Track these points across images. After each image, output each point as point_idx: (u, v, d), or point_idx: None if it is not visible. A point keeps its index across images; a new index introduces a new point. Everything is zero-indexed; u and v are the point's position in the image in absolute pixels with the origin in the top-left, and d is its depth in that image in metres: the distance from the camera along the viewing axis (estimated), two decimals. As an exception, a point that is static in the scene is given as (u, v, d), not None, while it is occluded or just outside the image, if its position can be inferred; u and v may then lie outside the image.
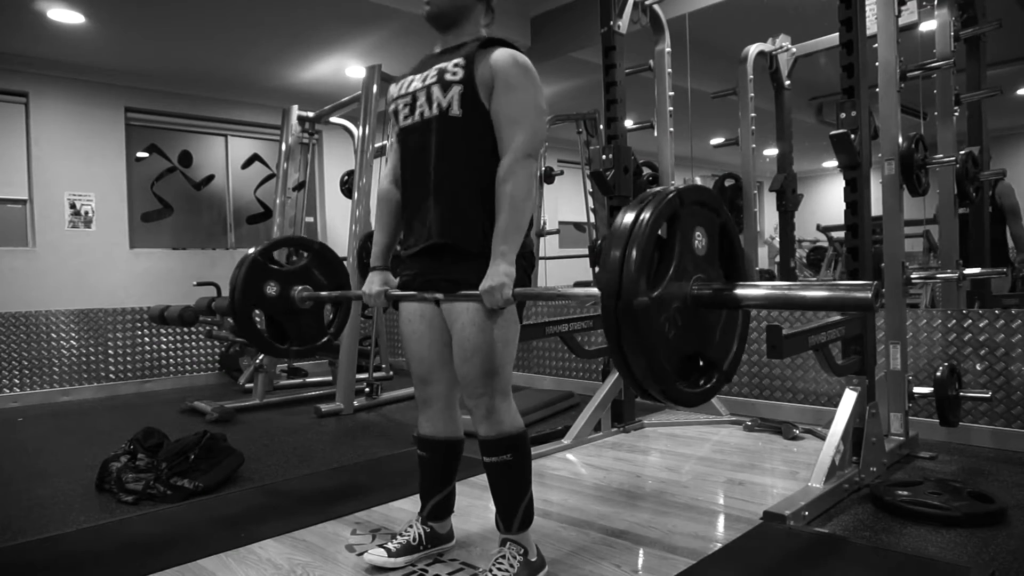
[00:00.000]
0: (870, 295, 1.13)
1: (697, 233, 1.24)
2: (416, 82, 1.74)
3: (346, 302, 2.36)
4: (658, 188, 1.26)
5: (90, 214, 5.44)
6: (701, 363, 1.28)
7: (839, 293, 1.19)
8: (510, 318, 1.69)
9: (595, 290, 1.30)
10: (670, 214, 1.19)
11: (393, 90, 1.82)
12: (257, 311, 2.20)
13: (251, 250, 2.27)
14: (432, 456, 1.88)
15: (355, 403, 4.39)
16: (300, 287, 2.26)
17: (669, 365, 1.18)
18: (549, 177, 5.12)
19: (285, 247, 2.31)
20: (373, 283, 1.89)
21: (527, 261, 1.77)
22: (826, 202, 6.65)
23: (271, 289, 2.19)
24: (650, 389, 1.17)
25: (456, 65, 1.65)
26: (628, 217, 1.18)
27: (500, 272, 1.57)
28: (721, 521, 2.20)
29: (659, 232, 1.19)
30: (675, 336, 1.19)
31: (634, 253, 1.14)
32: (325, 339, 2.31)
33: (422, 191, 1.72)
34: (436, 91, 1.67)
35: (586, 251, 4.88)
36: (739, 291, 1.24)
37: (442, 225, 1.67)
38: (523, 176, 1.60)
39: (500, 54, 1.63)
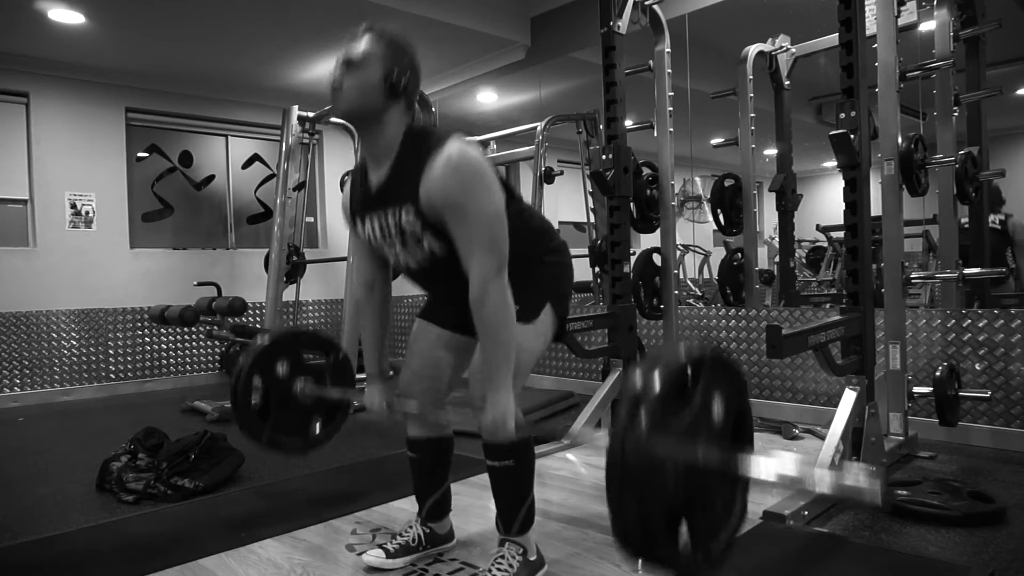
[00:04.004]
0: (877, 490, 1.06)
1: (717, 397, 1.19)
2: (377, 228, 1.64)
3: (340, 414, 2.28)
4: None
5: (91, 214, 5.44)
6: (690, 533, 1.15)
7: (846, 485, 1.13)
8: (536, 329, 1.71)
9: (603, 440, 1.24)
10: (698, 358, 1.16)
11: (359, 229, 1.72)
12: (257, 381, 2.12)
13: (271, 336, 2.18)
14: (422, 457, 1.88)
15: (355, 403, 4.37)
16: (306, 379, 2.17)
17: (662, 515, 1.10)
18: (549, 177, 5.11)
19: (310, 344, 2.26)
20: (374, 397, 1.87)
21: (556, 269, 1.79)
22: (826, 202, 6.63)
23: (282, 368, 2.12)
24: (632, 535, 1.09)
25: (408, 214, 1.56)
26: (658, 354, 1.17)
27: (499, 406, 1.53)
28: (721, 521, 2.20)
29: (686, 374, 1.14)
30: (675, 488, 1.10)
31: (659, 375, 1.11)
32: (300, 442, 2.19)
33: (439, 297, 1.78)
34: (411, 244, 1.61)
35: (586, 251, 4.87)
36: (748, 459, 1.18)
37: (461, 309, 1.62)
38: (494, 300, 1.51)
39: (431, 179, 1.50)
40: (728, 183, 4.40)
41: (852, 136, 2.55)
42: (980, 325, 3.04)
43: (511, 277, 1.57)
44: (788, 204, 4.61)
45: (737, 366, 1.27)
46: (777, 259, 4.92)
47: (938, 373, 2.85)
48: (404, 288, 1.98)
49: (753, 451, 1.27)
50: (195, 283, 5.50)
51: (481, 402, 1.59)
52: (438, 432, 1.87)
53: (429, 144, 1.54)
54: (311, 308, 6.60)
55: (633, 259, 3.68)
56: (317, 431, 2.25)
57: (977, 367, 3.04)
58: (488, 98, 6.69)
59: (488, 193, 1.52)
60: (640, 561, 1.12)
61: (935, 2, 3.49)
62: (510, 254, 1.60)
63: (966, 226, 3.71)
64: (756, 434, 3.28)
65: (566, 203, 6.84)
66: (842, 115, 2.60)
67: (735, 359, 1.28)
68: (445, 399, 1.88)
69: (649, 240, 4.05)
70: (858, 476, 1.09)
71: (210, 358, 5.99)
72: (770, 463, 1.15)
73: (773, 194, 4.62)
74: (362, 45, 1.56)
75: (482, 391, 1.59)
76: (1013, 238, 4.19)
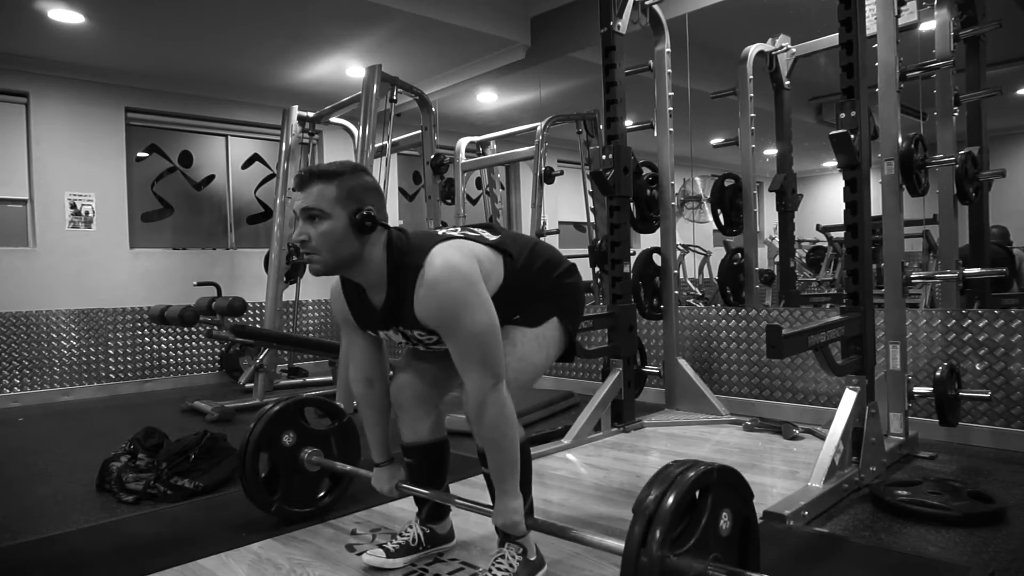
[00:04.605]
0: None
1: (724, 514, 1.26)
2: (392, 334, 1.69)
3: (345, 479, 2.32)
4: (697, 460, 1.27)
5: (90, 214, 5.44)
6: None
7: None
8: (539, 337, 1.71)
9: (615, 544, 1.32)
10: (706, 483, 1.22)
11: (344, 312, 1.75)
12: (264, 454, 2.18)
13: (276, 405, 2.22)
14: (419, 462, 1.88)
15: (355, 403, 4.38)
16: (312, 449, 2.23)
17: None
18: (549, 177, 5.11)
19: (315, 407, 2.31)
20: (383, 481, 1.91)
21: (567, 289, 1.79)
22: (826, 202, 6.64)
23: (287, 439, 2.19)
24: None
25: (420, 334, 1.62)
26: (670, 472, 1.23)
27: (508, 511, 1.60)
28: (721, 521, 2.20)
29: (694, 495, 1.22)
30: None
31: (670, 501, 1.17)
32: (309, 510, 2.25)
33: None
34: (433, 345, 1.67)
35: (586, 251, 4.87)
36: None
37: None
38: (494, 412, 1.53)
39: (421, 308, 1.54)
40: (728, 183, 4.40)
41: (852, 136, 2.55)
42: (980, 325, 3.04)
43: (523, 300, 1.63)
44: (788, 204, 4.61)
45: (742, 484, 1.33)
46: (777, 259, 4.92)
47: (938, 373, 2.84)
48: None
49: (759, 565, 1.34)
50: (195, 283, 5.50)
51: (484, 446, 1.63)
52: (433, 436, 1.86)
53: (413, 265, 1.54)
54: (311, 308, 6.60)
55: (633, 259, 3.68)
56: (324, 495, 2.31)
57: (977, 367, 3.04)
58: (488, 98, 6.69)
59: (475, 309, 1.50)
60: None
61: (935, 2, 3.50)
62: (523, 293, 1.67)
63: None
64: (755, 434, 3.30)
65: (566, 203, 6.84)
66: (842, 115, 2.60)
67: (740, 479, 1.34)
68: (437, 406, 1.88)
69: (649, 240, 4.06)
70: None
71: (210, 358, 5.99)
72: None
73: (773, 194, 4.63)
74: (315, 194, 1.52)
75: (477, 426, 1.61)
76: (1020, 272, 4.25)
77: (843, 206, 2.65)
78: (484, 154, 5.72)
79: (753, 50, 4.44)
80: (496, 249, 1.68)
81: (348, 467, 2.21)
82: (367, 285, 1.64)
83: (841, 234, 2.77)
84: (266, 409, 2.20)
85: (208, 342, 5.94)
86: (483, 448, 1.61)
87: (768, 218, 6.12)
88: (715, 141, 4.96)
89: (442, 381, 1.85)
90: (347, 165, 1.58)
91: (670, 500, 1.17)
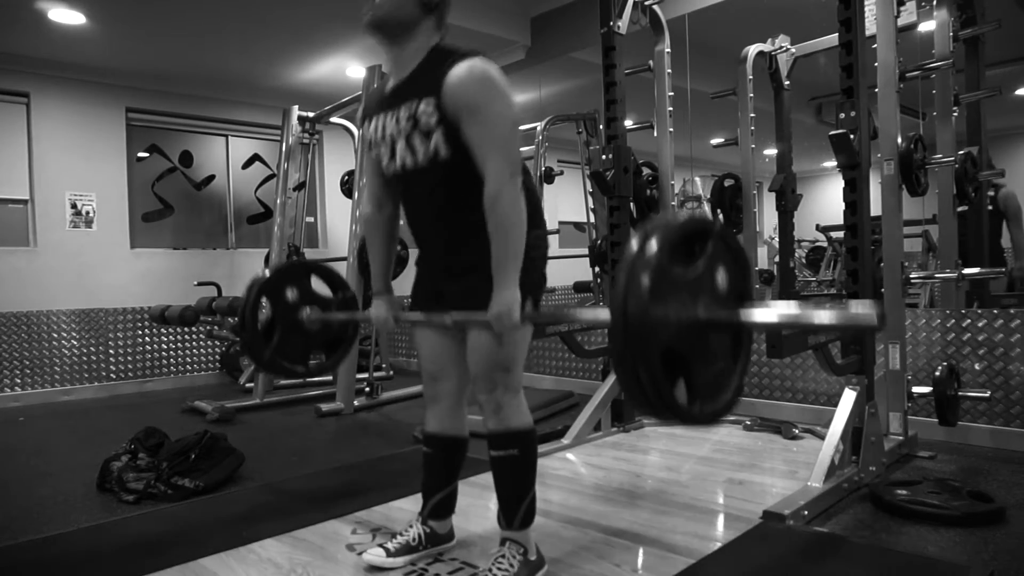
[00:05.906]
0: (875, 319, 1.07)
1: (721, 268, 1.20)
2: (389, 124, 1.69)
3: (345, 344, 2.32)
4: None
5: (91, 214, 5.44)
6: (694, 390, 1.19)
7: (844, 315, 1.12)
8: (519, 333, 1.71)
9: (605, 314, 1.24)
10: (704, 230, 1.18)
11: (368, 132, 1.78)
12: (265, 303, 2.16)
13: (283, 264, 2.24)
14: (437, 453, 1.90)
15: (355, 403, 4.39)
16: (311, 308, 2.22)
17: (664, 376, 1.12)
18: (549, 177, 5.12)
19: (323, 277, 2.31)
20: (380, 309, 1.91)
21: (536, 274, 1.76)
22: (825, 202, 6.65)
23: (291, 294, 2.18)
24: (646, 389, 1.10)
25: (427, 105, 1.60)
26: (672, 215, 1.20)
27: (505, 299, 1.58)
28: (721, 521, 2.21)
29: (690, 244, 1.16)
30: (679, 348, 1.12)
31: (663, 240, 1.10)
32: (300, 369, 2.23)
33: (427, 222, 1.77)
34: (417, 140, 1.64)
35: (586, 251, 4.88)
36: (749, 313, 1.20)
37: (449, 250, 1.73)
38: (508, 201, 1.57)
39: (456, 76, 1.56)
40: (728, 183, 4.40)
41: (852, 136, 2.55)
42: (979, 325, 3.04)
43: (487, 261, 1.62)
44: (788, 204, 4.61)
45: (741, 251, 1.27)
46: (777, 259, 4.92)
47: (938, 373, 2.85)
48: (404, 288, 1.99)
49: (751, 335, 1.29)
50: (195, 283, 5.50)
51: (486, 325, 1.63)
52: (456, 431, 1.89)
53: (454, 56, 1.60)
54: (311, 308, 6.60)
55: (633, 259, 3.68)
56: (316, 360, 2.30)
57: (976, 367, 3.04)
58: (488, 98, 6.68)
59: (507, 101, 1.59)
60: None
61: (935, 2, 3.50)
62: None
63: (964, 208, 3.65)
64: (755, 434, 3.30)
65: (566, 203, 6.84)
66: (842, 115, 2.60)
67: (739, 246, 1.27)
68: (465, 404, 1.89)
69: (649, 240, 4.05)
70: (855, 307, 1.11)
71: (210, 358, 6.00)
72: (769, 310, 1.17)
73: (773, 194, 4.63)
74: None
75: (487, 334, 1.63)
76: (1006, 212, 4.13)
77: (843, 206, 2.65)
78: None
79: (753, 50, 4.44)
80: None
81: (345, 314, 2.19)
82: (398, 65, 1.68)
83: (841, 234, 2.77)
84: (273, 267, 2.19)
85: (208, 342, 5.94)
86: (491, 235, 1.59)
87: (768, 218, 6.12)
88: (715, 141, 4.96)
89: (463, 367, 1.84)
90: None
91: (656, 242, 1.07)
